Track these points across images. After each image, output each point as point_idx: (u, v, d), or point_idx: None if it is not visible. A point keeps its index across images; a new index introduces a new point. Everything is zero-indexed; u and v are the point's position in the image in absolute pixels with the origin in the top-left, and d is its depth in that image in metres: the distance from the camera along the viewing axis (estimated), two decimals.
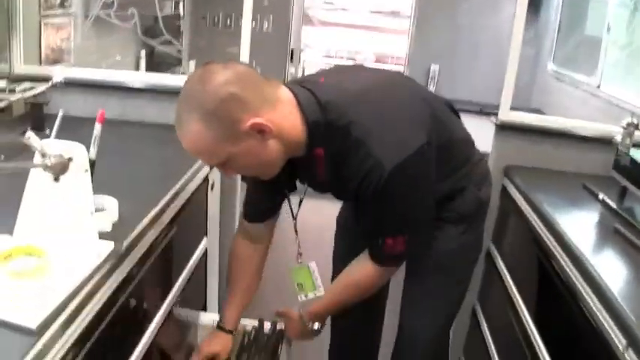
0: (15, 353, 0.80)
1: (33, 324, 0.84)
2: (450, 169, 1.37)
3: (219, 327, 1.54)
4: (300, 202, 1.45)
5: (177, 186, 1.46)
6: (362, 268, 1.37)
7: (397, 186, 1.19)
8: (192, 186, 1.61)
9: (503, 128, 1.83)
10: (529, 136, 1.83)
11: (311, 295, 1.55)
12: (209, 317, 1.73)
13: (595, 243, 1.35)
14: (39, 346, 0.83)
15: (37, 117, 1.72)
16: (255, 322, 1.66)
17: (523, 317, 1.48)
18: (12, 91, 1.71)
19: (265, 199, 1.46)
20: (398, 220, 1.27)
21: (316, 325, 1.46)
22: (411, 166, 1.18)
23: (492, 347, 1.70)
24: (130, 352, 1.23)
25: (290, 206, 1.45)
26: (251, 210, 1.49)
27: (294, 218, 1.46)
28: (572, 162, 1.84)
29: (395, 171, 1.16)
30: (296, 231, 1.49)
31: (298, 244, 1.52)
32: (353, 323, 1.72)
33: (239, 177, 2.06)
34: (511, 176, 1.77)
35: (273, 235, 1.54)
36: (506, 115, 1.80)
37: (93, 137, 1.12)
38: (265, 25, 3.26)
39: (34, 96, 1.78)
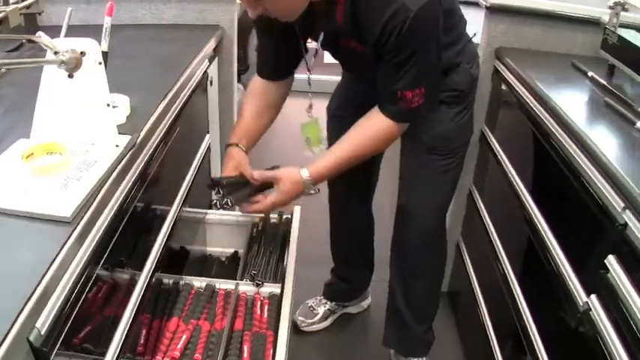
0: (53, 244, 0.84)
1: (67, 212, 0.89)
2: (449, 41, 1.42)
3: (229, 145, 1.50)
4: (316, 52, 1.47)
5: (183, 78, 1.50)
6: (375, 125, 1.40)
7: (420, 31, 1.23)
8: (194, 80, 1.64)
9: (492, 10, 1.85)
10: (519, 18, 1.85)
11: (316, 150, 1.61)
12: (216, 216, 1.80)
13: (587, 116, 1.40)
14: (75, 234, 0.87)
15: (31, 28, 1.72)
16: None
17: (520, 193, 1.55)
18: (6, 2, 1.69)
19: (279, 57, 1.50)
20: (417, 70, 1.29)
21: (312, 190, 1.45)
22: (432, 9, 1.23)
23: (491, 228, 1.79)
24: (149, 248, 1.31)
25: (305, 59, 1.49)
26: (264, 68, 1.53)
27: (309, 70, 1.50)
28: (561, 43, 1.87)
29: (420, 12, 1.19)
30: (309, 83, 1.53)
31: (310, 98, 1.57)
32: (349, 187, 1.84)
33: (234, 73, 2.09)
34: (502, 58, 1.80)
35: (287, 94, 1.57)
36: None
37: (103, 30, 1.14)
38: None
39: (28, 7, 1.77)
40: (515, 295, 1.48)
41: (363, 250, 2.04)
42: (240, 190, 1.44)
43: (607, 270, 1.05)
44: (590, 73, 1.62)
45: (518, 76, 1.65)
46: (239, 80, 2.54)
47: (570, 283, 1.19)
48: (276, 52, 1.50)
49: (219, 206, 1.40)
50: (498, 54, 1.85)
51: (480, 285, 1.86)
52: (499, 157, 1.77)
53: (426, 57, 1.30)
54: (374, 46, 1.26)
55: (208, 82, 1.89)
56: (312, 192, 1.45)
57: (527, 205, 1.49)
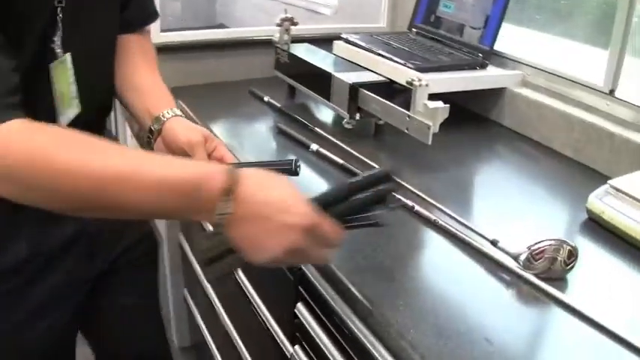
0: None
1: None
2: None
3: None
4: None
5: None
6: None
7: None
8: None
9: (159, 51, 1.72)
10: (191, 53, 1.75)
11: None
12: None
13: (259, 147, 1.34)
14: None
15: None
16: None
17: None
18: None
19: None
20: None
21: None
22: None
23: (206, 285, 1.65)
24: None
25: None
26: None
27: None
28: (239, 70, 1.80)
29: None
30: None
31: None
32: None
33: None
34: (176, 99, 1.68)
35: None
36: (157, 38, 1.69)
37: None
38: None
39: None
40: (239, 350, 1.36)
41: None
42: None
43: (298, 318, 0.98)
44: (266, 98, 1.56)
45: (197, 114, 1.54)
46: None
47: (277, 336, 1.10)
48: None
49: None
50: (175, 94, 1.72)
51: (212, 337, 1.73)
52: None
53: None
54: None
55: None
56: None
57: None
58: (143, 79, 1.06)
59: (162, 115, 0.99)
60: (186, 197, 0.67)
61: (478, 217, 1.08)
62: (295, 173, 0.91)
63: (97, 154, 0.69)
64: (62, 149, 0.68)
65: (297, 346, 1.03)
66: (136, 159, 0.70)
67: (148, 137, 1.01)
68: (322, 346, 0.92)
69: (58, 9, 0.83)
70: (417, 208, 1.04)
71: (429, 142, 1.17)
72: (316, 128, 1.36)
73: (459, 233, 0.97)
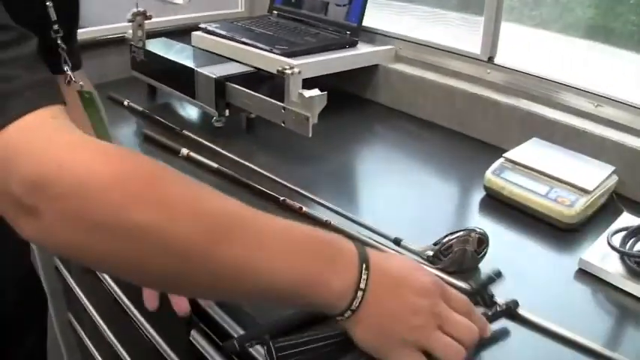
0: None
1: None
2: None
3: None
4: None
5: None
6: None
7: None
8: None
9: None
10: None
11: None
12: None
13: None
14: None
15: None
16: None
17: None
18: None
19: None
20: None
21: None
22: None
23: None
24: None
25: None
26: None
27: None
28: (93, 74, 1.61)
29: None
30: None
31: None
32: None
33: None
34: None
35: None
36: None
37: None
38: None
39: None
40: None
41: None
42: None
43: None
44: (126, 102, 1.41)
45: None
46: None
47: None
48: None
49: None
50: None
51: None
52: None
53: None
54: None
55: None
56: None
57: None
58: None
59: None
60: (328, 249, 0.58)
61: (371, 211, 1.00)
62: None
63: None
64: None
65: None
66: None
67: None
68: None
69: None
70: (304, 209, 0.95)
71: (310, 135, 1.09)
72: (184, 131, 1.24)
73: (356, 234, 0.89)
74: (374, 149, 1.30)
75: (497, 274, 0.76)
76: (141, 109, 1.37)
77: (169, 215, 0.48)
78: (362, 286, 0.57)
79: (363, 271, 0.57)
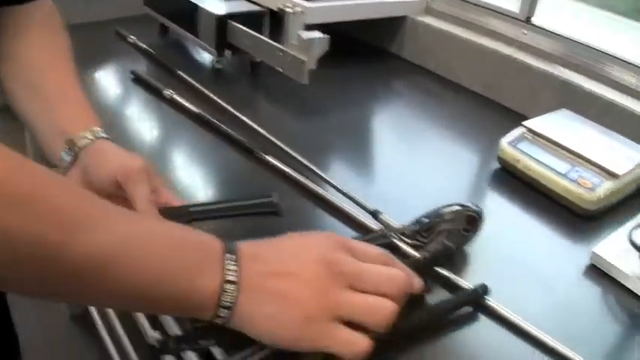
0: None
1: None
2: None
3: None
4: None
5: None
6: None
7: None
8: None
9: None
10: None
11: None
12: None
13: (114, 95, 1.10)
14: None
15: None
16: None
17: None
18: None
19: None
20: None
21: None
22: None
23: None
24: None
25: None
26: None
27: None
28: (107, 9, 1.53)
29: None
30: None
31: None
32: None
33: None
34: None
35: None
36: None
37: None
38: None
39: None
40: None
41: None
42: None
43: None
44: (130, 38, 1.31)
45: None
46: None
47: None
48: None
49: None
50: None
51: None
52: None
53: None
54: None
55: None
56: None
57: None
58: (50, 78, 0.70)
59: (84, 136, 0.66)
60: (193, 252, 0.48)
61: (365, 178, 0.89)
62: (277, 214, 0.69)
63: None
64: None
65: None
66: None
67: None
68: None
69: None
70: (272, 161, 0.84)
71: (306, 81, 0.97)
72: (179, 72, 1.13)
73: (336, 204, 0.78)
74: (388, 108, 1.17)
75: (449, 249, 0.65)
76: (144, 46, 1.27)
77: (18, 215, 0.39)
78: (231, 278, 0.47)
79: (229, 263, 0.47)
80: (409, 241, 0.69)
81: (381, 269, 0.51)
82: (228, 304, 0.47)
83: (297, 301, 0.47)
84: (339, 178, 0.82)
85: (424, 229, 0.68)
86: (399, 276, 0.51)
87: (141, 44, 1.28)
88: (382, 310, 0.49)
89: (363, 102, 1.16)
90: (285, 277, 0.48)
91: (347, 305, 0.48)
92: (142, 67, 1.19)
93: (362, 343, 0.48)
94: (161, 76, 1.13)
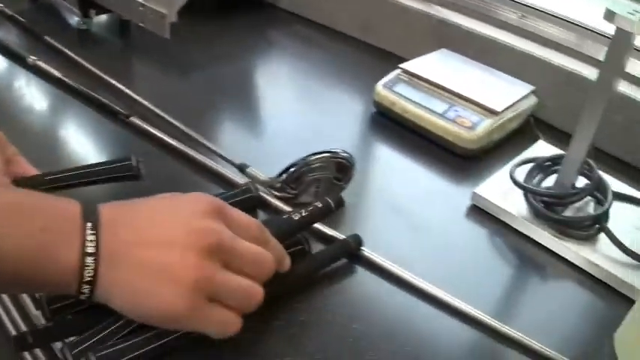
0: None
1: None
2: None
3: None
4: None
5: None
6: None
7: None
8: None
9: None
10: None
11: None
12: None
13: None
14: None
15: None
16: None
17: None
18: None
19: None
20: None
21: None
22: None
23: None
24: None
25: None
26: None
27: None
28: None
29: None
30: None
31: None
32: None
33: None
34: None
35: None
36: None
37: None
38: None
39: None
40: None
41: None
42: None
43: None
44: None
45: None
46: None
47: None
48: None
49: None
50: None
51: None
52: None
53: None
54: None
55: None
56: None
57: None
58: None
59: None
60: (47, 220, 0.41)
61: (235, 130, 0.82)
62: (136, 177, 0.60)
63: None
64: None
65: None
66: None
67: None
68: None
69: None
70: (132, 119, 0.75)
71: (167, 36, 0.89)
72: (46, 37, 1.01)
73: (203, 161, 0.70)
74: (264, 59, 1.09)
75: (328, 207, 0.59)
76: (11, 13, 1.13)
77: None
78: (89, 250, 0.40)
79: (88, 233, 0.41)
80: (278, 193, 0.63)
81: (256, 252, 0.46)
82: (89, 278, 0.40)
83: (169, 276, 0.41)
84: (209, 135, 0.75)
85: (292, 180, 0.61)
86: (270, 261, 0.47)
87: (7, 11, 1.14)
88: (255, 295, 0.45)
89: (238, 54, 1.07)
90: (155, 247, 0.42)
91: (222, 287, 0.43)
92: (11, 37, 1.06)
93: (236, 323, 0.45)
94: (30, 43, 1.01)
